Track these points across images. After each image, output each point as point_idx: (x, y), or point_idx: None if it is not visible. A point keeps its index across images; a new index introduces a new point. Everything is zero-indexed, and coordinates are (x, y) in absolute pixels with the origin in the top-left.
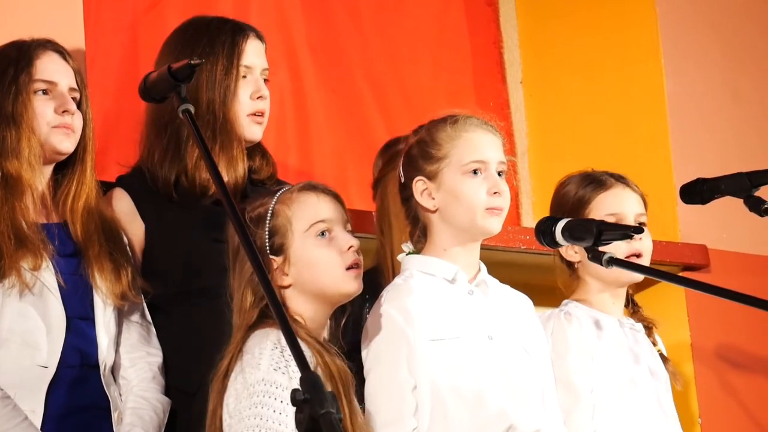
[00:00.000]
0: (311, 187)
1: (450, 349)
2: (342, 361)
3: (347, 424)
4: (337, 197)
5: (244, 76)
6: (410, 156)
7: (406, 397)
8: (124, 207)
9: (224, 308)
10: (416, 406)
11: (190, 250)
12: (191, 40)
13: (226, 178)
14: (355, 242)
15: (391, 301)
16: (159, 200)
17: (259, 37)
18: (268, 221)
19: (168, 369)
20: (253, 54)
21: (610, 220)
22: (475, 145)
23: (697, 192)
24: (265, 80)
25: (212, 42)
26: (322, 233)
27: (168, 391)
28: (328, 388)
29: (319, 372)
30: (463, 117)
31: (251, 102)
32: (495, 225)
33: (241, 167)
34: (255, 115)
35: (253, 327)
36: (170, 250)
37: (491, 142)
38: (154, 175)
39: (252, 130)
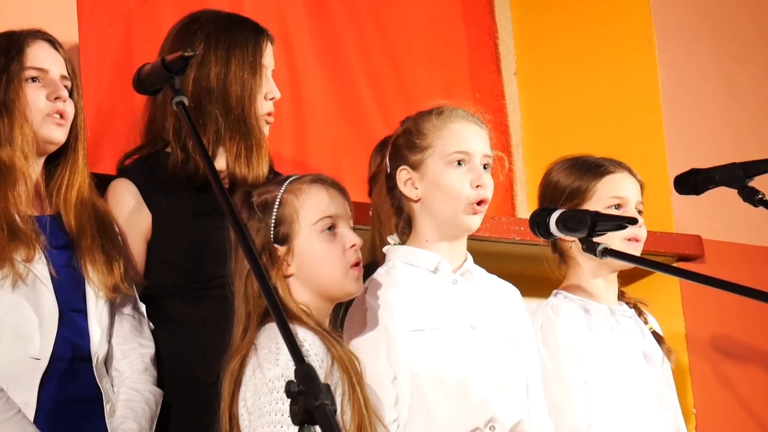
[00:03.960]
0: (321, 181)
1: (431, 340)
2: (351, 349)
3: (363, 412)
4: (345, 193)
5: None
6: (396, 146)
7: (385, 388)
8: (130, 197)
9: None
10: (396, 398)
11: (200, 238)
12: (213, 33)
13: (256, 172)
14: (358, 241)
15: (372, 292)
16: (164, 189)
17: (272, 39)
18: (275, 210)
19: (183, 358)
20: (268, 55)
21: (615, 203)
22: (460, 136)
23: (691, 182)
24: None
25: (235, 39)
26: (329, 228)
27: (183, 380)
28: (343, 379)
29: (335, 364)
30: (449, 108)
31: (265, 102)
32: (475, 222)
33: (268, 162)
34: (267, 115)
35: (264, 317)
36: (180, 239)
37: (477, 134)
38: (186, 164)
39: (264, 130)
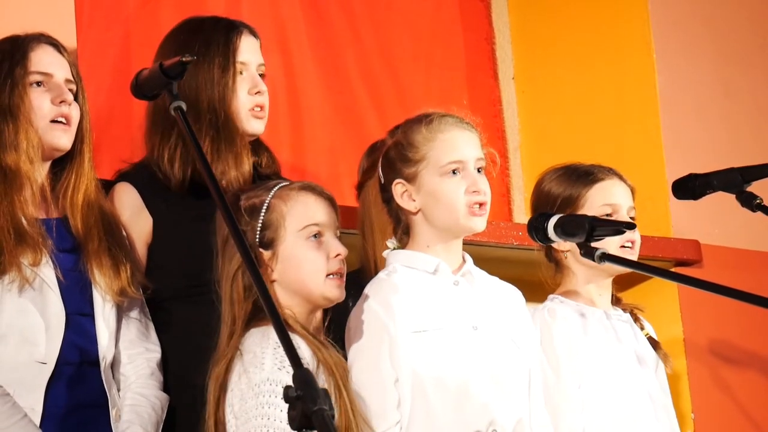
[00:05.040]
0: (310, 188)
1: (433, 341)
2: (337, 352)
3: (349, 415)
4: (333, 203)
5: (241, 73)
6: (388, 158)
7: (388, 390)
8: (131, 201)
9: None
10: (399, 399)
11: (201, 243)
12: (186, 40)
13: (233, 174)
14: (343, 251)
15: (373, 295)
16: (165, 194)
17: (253, 33)
18: (262, 214)
19: (183, 362)
20: (248, 50)
21: (607, 210)
22: (452, 145)
23: (689, 187)
24: (262, 75)
25: (207, 41)
26: (314, 236)
27: (182, 384)
28: (329, 382)
29: (320, 367)
30: (437, 116)
31: (250, 97)
32: (479, 223)
33: (247, 162)
34: (254, 109)
35: (249, 322)
36: (180, 243)
37: (468, 139)
38: (166, 175)
39: (253, 125)
